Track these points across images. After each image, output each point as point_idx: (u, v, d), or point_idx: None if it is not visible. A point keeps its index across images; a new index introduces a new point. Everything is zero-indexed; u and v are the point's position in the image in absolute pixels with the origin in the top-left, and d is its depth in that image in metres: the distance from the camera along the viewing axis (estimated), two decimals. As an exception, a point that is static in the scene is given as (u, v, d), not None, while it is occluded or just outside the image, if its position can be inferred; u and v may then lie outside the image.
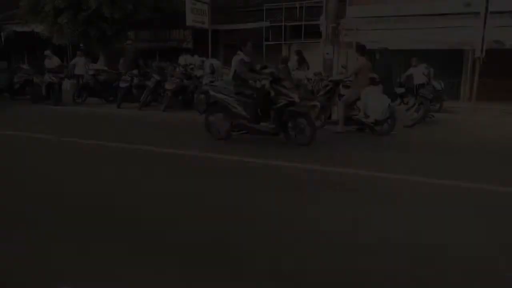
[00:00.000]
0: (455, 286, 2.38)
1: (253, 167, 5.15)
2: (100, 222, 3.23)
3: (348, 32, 12.73)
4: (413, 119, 8.91)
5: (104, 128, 8.44)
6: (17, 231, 3.07)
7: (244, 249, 2.78)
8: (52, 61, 12.95)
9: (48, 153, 5.96)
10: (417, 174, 4.69)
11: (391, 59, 11.25)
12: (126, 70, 12.06)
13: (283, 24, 14.82)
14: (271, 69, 6.42)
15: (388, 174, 4.73)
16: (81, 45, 16.05)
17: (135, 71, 11.90)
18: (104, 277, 2.41)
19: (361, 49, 8.06)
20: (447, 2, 11.49)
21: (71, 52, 18.33)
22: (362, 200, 3.83)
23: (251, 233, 3.04)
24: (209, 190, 4.14)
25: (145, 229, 3.10)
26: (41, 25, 15.45)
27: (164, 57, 16.84)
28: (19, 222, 3.26)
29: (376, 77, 7.84)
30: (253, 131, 6.52)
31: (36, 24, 15.69)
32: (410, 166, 5.20)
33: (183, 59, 12.81)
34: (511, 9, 11.08)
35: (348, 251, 2.75)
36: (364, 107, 7.56)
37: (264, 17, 15.12)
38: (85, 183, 4.37)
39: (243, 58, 6.67)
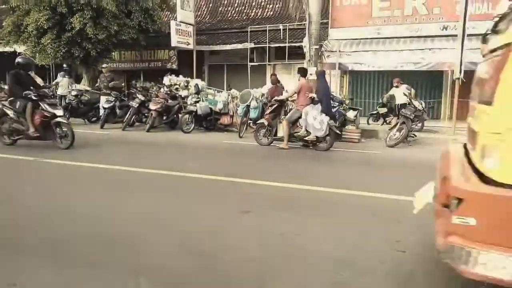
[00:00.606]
0: None
1: None
2: None
3: (331, 53, 12.98)
4: (395, 139, 9.04)
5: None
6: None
7: None
8: (34, 81, 12.78)
9: (35, 176, 5.81)
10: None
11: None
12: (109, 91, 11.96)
13: (267, 45, 15.04)
14: None
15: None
16: (65, 65, 15.95)
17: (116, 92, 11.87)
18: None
19: (301, 71, 8.75)
20: (425, 25, 11.86)
21: (54, 72, 18.19)
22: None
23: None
24: None
25: None
26: (24, 45, 15.32)
27: (149, 77, 16.85)
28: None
29: (315, 97, 8.34)
30: None
31: (19, 45, 15.55)
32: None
33: (167, 79, 12.82)
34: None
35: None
36: (305, 125, 8.06)
37: (248, 39, 15.33)
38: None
39: None
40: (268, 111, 8.97)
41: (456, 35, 10.77)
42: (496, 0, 10.92)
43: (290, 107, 9.04)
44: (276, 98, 9.01)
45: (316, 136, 8.06)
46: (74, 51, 14.53)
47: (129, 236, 3.35)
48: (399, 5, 11.96)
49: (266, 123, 8.80)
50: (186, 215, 3.95)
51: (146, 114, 11.52)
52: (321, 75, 9.03)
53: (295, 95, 8.48)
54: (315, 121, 7.97)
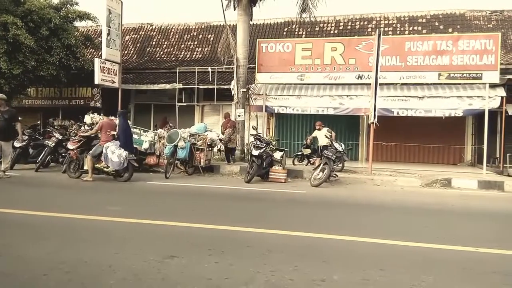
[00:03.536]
0: None
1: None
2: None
3: (258, 96, 13.43)
4: (319, 179, 9.41)
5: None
6: None
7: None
8: None
9: None
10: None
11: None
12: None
13: (195, 86, 15.15)
14: None
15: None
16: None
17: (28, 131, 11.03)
18: None
19: (104, 112, 9.99)
20: (343, 74, 12.84)
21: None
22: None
23: None
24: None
25: None
26: None
27: (69, 115, 15.94)
28: None
29: (115, 134, 9.28)
30: None
31: None
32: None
33: (89, 118, 12.19)
34: (396, 82, 12.76)
35: None
36: (104, 159, 8.94)
37: (176, 80, 15.34)
38: None
39: None
40: (75, 146, 9.64)
41: (369, 84, 11.82)
42: (403, 55, 12.33)
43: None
44: (82, 134, 10.00)
45: (115, 169, 8.93)
46: (-17, 85, 13.36)
47: None
48: (319, 55, 12.87)
49: (74, 158, 9.50)
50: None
51: (63, 154, 10.77)
52: (121, 115, 9.73)
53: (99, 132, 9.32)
54: (113, 155, 8.87)
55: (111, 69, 14.52)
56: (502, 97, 12.01)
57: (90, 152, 9.16)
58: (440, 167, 13.26)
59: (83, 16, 15.28)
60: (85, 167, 9.25)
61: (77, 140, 10.08)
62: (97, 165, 9.06)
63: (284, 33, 18.18)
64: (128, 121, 10.51)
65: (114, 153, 8.88)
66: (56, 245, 4.17)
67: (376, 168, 11.57)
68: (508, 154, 12.63)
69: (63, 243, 4.24)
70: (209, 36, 19.02)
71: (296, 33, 18.04)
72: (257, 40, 14.12)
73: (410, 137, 14.64)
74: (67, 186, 8.54)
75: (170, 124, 13.35)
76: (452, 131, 14.42)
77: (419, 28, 16.76)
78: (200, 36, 19.20)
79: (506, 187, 9.66)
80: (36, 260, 3.69)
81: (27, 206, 5.98)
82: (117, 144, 9.07)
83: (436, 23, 16.80)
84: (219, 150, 12.71)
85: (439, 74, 12.19)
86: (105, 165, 9.00)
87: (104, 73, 14.10)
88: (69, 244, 4.23)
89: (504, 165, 12.34)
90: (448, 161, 14.95)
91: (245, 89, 13.15)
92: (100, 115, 12.40)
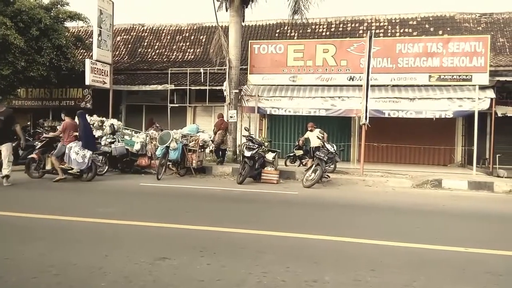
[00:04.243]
0: None
1: None
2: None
3: (250, 97, 13.42)
4: (311, 180, 9.42)
5: None
6: None
7: None
8: None
9: None
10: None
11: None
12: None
13: (187, 87, 15.10)
14: None
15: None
16: (-42, 101, 14.33)
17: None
18: None
19: (66, 112, 9.92)
20: (334, 75, 12.90)
21: None
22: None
23: None
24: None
25: None
26: None
27: (59, 116, 15.76)
28: None
29: (77, 135, 9.32)
30: None
31: None
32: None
33: (80, 119, 12.10)
34: (387, 84, 12.84)
35: None
36: (68, 160, 9.03)
37: (168, 81, 15.28)
38: None
39: None
40: (38, 146, 9.60)
41: (361, 85, 11.87)
42: (394, 57, 12.41)
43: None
44: (46, 135, 9.96)
45: (80, 169, 8.99)
46: (-29, 86, 13.19)
47: None
48: (311, 57, 12.91)
49: (36, 158, 9.38)
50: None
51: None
52: (81, 115, 9.71)
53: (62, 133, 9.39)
54: (77, 156, 8.96)
55: (102, 70, 14.42)
56: (491, 99, 12.14)
57: (54, 152, 9.17)
58: (431, 168, 13.37)
59: (74, 16, 15.16)
60: (47, 167, 9.34)
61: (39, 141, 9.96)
62: (61, 166, 9.05)
63: (276, 34, 18.21)
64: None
65: (78, 154, 8.96)
66: (45, 247, 4.12)
67: (367, 169, 11.62)
68: (497, 155, 12.75)
69: (53, 246, 4.19)
70: (201, 37, 18.98)
71: (288, 34, 18.08)
72: (249, 41, 14.13)
73: (401, 138, 14.74)
74: (57, 187, 8.44)
75: (157, 125, 13.21)
76: (443, 132, 14.55)
77: (410, 30, 16.90)
78: (192, 37, 19.16)
79: (495, 188, 9.76)
80: (25, 263, 3.64)
81: (16, 208, 5.91)
82: (80, 145, 9.12)
83: (427, 26, 16.95)
84: (211, 151, 12.67)
85: (430, 76, 12.29)
86: (69, 167, 9.00)
87: (95, 74, 14.00)
88: (58, 246, 4.18)
89: (494, 166, 12.46)
90: (438, 162, 15.08)
91: (237, 90, 13.15)
92: (92, 116, 12.31)
